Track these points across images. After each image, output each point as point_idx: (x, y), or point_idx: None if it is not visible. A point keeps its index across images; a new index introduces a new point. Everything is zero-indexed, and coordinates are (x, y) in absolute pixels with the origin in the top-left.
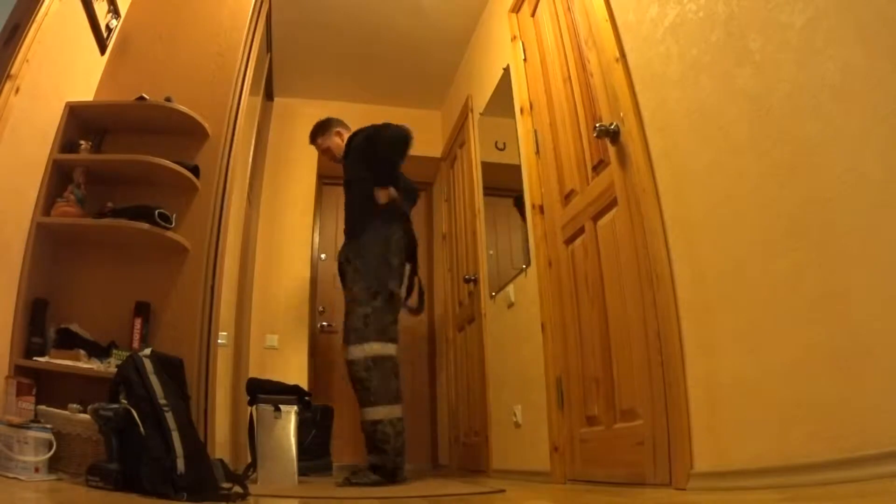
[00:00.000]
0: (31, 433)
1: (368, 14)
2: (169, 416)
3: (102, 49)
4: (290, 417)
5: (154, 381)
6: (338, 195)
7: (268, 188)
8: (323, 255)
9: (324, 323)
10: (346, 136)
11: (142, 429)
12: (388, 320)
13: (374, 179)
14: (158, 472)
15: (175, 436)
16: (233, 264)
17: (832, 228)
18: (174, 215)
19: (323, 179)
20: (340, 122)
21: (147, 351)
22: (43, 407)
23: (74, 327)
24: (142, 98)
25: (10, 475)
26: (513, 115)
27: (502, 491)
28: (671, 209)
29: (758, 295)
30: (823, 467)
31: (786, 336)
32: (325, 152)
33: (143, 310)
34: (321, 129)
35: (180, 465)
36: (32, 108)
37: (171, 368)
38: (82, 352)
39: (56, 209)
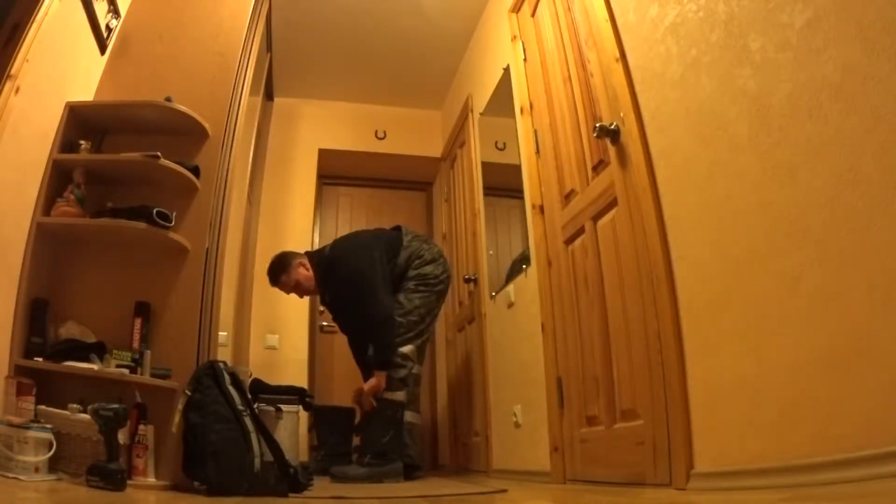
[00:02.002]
0: (31, 433)
1: (368, 14)
2: (248, 420)
3: (102, 49)
4: (291, 418)
5: (231, 389)
6: (338, 195)
7: (268, 188)
8: None
9: (324, 323)
10: (308, 263)
11: (216, 428)
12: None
13: (374, 363)
14: (233, 469)
15: (254, 437)
16: (233, 264)
17: (832, 228)
18: (174, 213)
19: (323, 179)
20: (296, 254)
21: (220, 363)
22: (43, 407)
23: (72, 326)
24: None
25: (10, 475)
26: (513, 115)
27: (503, 491)
28: (671, 209)
29: (758, 295)
30: (823, 467)
31: (786, 336)
32: (294, 289)
33: (143, 310)
34: (282, 268)
35: (257, 463)
36: (32, 108)
37: (235, 381)
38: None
39: (56, 209)
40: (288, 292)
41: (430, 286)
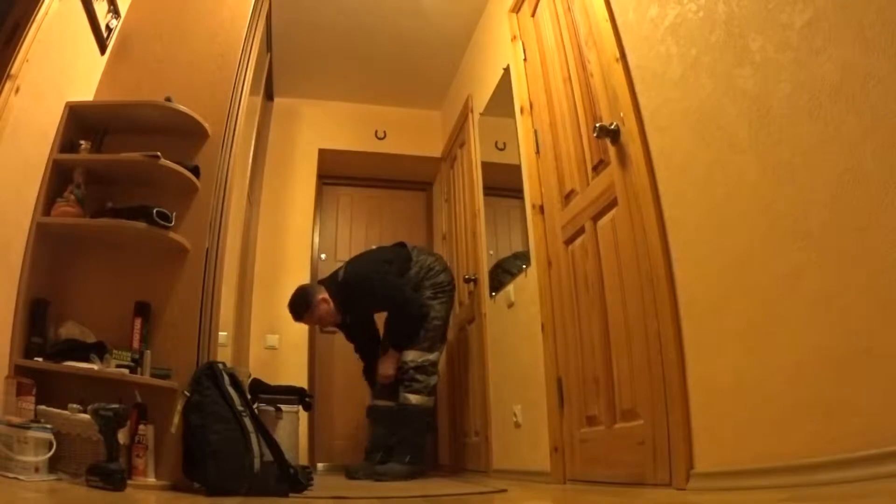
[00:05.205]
0: (31, 433)
1: (368, 14)
2: (247, 421)
3: (102, 49)
4: (291, 418)
5: (230, 390)
6: (338, 195)
7: (268, 188)
8: (323, 255)
9: None
10: (328, 296)
11: (215, 429)
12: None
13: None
14: (232, 469)
15: (253, 438)
16: (233, 264)
17: (832, 228)
18: (174, 213)
19: (323, 179)
20: (317, 289)
21: (219, 364)
22: (43, 407)
23: (72, 326)
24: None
25: (10, 475)
26: (513, 115)
27: (503, 491)
28: (671, 209)
29: (758, 295)
30: (823, 467)
31: (786, 336)
32: (318, 322)
33: (143, 310)
34: (305, 306)
35: (257, 464)
36: (32, 108)
37: (234, 381)
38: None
39: (56, 209)
40: (311, 325)
41: (446, 293)
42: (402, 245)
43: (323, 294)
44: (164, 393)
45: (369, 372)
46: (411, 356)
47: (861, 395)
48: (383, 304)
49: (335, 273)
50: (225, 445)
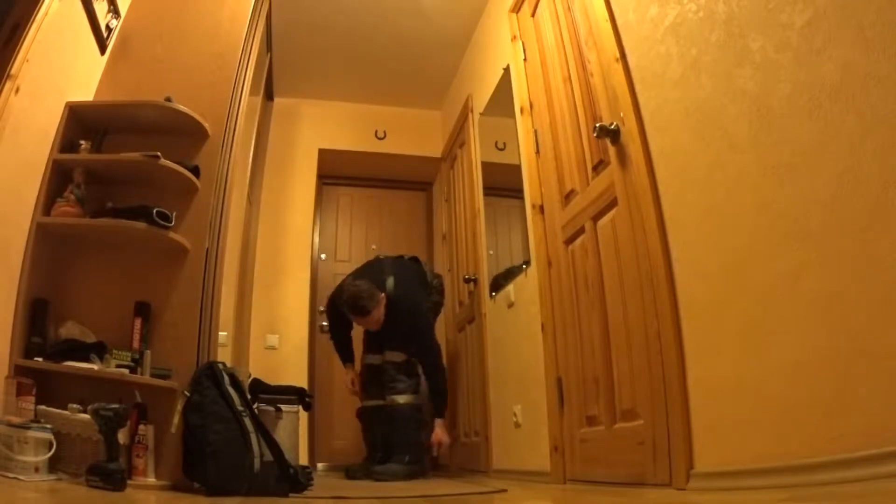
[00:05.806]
0: (31, 433)
1: (368, 14)
2: (247, 421)
3: (102, 49)
4: (291, 418)
5: (230, 390)
6: (338, 195)
7: (268, 188)
8: (323, 255)
9: (323, 323)
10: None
11: (215, 429)
12: None
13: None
14: (232, 469)
15: (253, 438)
16: (233, 264)
17: (832, 228)
18: (174, 213)
19: (323, 179)
20: (376, 287)
21: (219, 364)
22: (43, 407)
23: (72, 326)
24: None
25: (10, 475)
26: (513, 115)
27: (503, 491)
28: (671, 209)
29: (758, 295)
30: (823, 467)
31: (786, 336)
32: (374, 323)
33: (143, 310)
34: (376, 303)
35: (257, 464)
36: (32, 108)
37: (234, 381)
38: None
39: (56, 209)
40: (366, 325)
41: (438, 308)
42: (417, 261)
43: (381, 294)
44: (164, 393)
45: (342, 349)
46: (392, 356)
47: (861, 395)
48: (407, 339)
49: (378, 277)
50: (225, 445)
